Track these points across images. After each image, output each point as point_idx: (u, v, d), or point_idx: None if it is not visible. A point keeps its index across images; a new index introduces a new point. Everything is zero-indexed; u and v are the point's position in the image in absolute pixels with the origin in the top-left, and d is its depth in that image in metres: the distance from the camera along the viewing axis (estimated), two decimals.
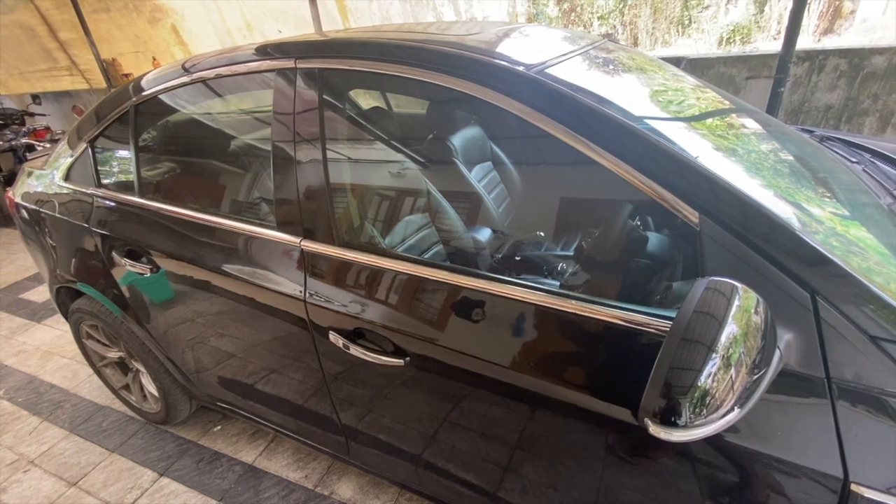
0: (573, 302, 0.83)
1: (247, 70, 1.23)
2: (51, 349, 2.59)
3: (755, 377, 0.61)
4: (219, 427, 1.94)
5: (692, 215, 0.74)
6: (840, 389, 0.68)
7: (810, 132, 1.70)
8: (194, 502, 1.63)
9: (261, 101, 1.27)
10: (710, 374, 0.57)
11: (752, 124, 1.27)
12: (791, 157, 1.12)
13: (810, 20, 4.65)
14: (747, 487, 0.76)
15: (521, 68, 0.89)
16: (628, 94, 1.04)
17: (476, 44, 1.06)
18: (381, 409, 1.20)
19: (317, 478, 1.68)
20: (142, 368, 1.82)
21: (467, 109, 1.14)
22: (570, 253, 1.06)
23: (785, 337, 0.70)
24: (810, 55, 2.36)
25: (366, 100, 1.36)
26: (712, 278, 0.63)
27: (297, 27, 3.61)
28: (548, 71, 0.93)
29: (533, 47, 1.14)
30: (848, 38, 4.21)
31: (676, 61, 2.58)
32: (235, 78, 1.28)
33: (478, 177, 1.38)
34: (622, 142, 0.79)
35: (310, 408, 1.37)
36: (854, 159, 1.46)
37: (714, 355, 0.58)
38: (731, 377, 0.59)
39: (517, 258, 1.11)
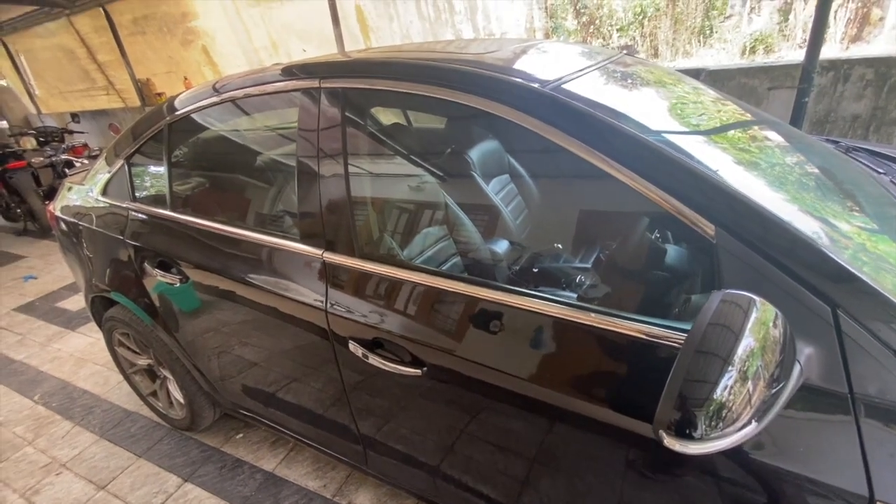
0: (591, 314, 0.84)
1: (273, 90, 1.29)
2: (84, 356, 2.70)
3: (773, 391, 0.60)
4: (241, 435, 1.98)
5: (708, 228, 0.75)
6: (864, 405, 0.66)
7: (835, 143, 1.67)
8: None
9: (286, 119, 1.33)
10: (726, 387, 0.57)
11: (772, 136, 1.26)
12: (814, 169, 1.11)
13: (837, 28, 4.55)
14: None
15: (536, 85, 0.92)
16: (644, 108, 1.05)
17: (493, 62, 1.09)
18: (398, 419, 1.22)
19: (335, 487, 1.69)
20: (169, 376, 1.88)
21: (484, 125, 1.17)
22: (588, 265, 1.07)
23: (806, 351, 0.69)
24: (835, 64, 2.32)
25: (386, 116, 1.41)
26: (728, 291, 0.63)
27: (321, 46, 3.73)
28: (563, 87, 0.95)
29: (549, 64, 1.16)
30: (878, 45, 4.11)
31: (696, 73, 2.58)
32: (262, 97, 1.34)
33: (495, 189, 1.40)
34: (637, 155, 0.81)
35: (329, 416, 1.39)
36: (881, 170, 1.43)
37: (730, 368, 0.58)
38: (749, 390, 0.59)
39: (534, 270, 1.12)
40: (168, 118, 1.57)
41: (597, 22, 4.85)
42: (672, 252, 0.96)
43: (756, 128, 1.27)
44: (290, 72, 1.26)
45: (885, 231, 0.93)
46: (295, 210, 1.22)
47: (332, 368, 1.24)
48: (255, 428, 2.00)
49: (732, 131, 1.19)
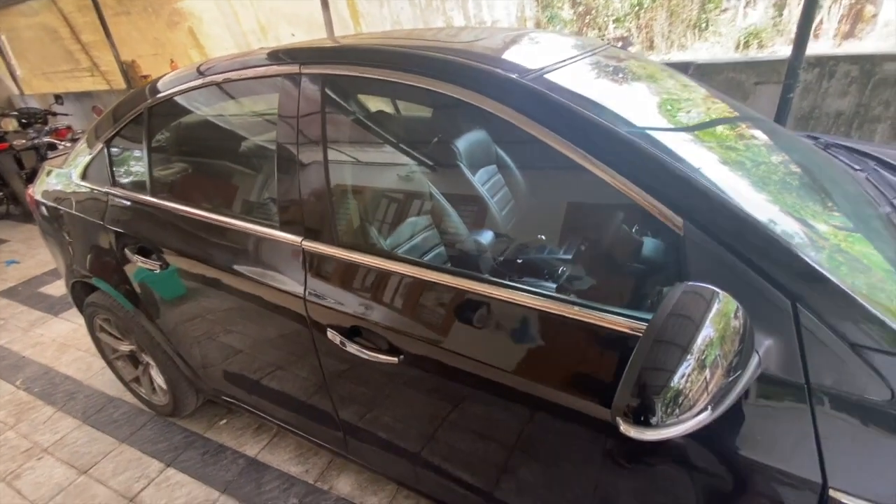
0: (566, 306, 0.85)
1: (255, 74, 1.28)
2: (66, 342, 2.68)
3: (730, 379, 0.62)
4: (224, 421, 1.99)
5: (676, 221, 0.76)
6: (819, 395, 0.68)
7: (815, 139, 1.69)
8: (198, 493, 1.68)
9: (268, 105, 1.31)
10: (684, 375, 0.59)
11: (752, 131, 1.27)
12: (790, 165, 1.12)
13: (831, 24, 4.56)
14: (728, 490, 0.77)
15: (513, 75, 0.91)
16: (621, 100, 1.05)
17: (474, 50, 1.09)
18: (377, 406, 1.23)
19: (317, 473, 1.71)
20: (151, 362, 1.88)
21: (462, 114, 1.17)
22: (566, 257, 1.08)
23: (766, 343, 0.71)
24: (821, 61, 2.34)
25: (370, 104, 1.40)
26: (690, 283, 0.65)
27: (310, 30, 3.67)
28: (541, 78, 0.95)
29: (530, 54, 1.16)
30: (870, 42, 4.13)
31: (685, 66, 2.58)
32: (245, 82, 1.33)
33: (481, 180, 1.40)
34: (607, 147, 0.81)
35: (310, 403, 1.40)
36: (858, 167, 1.45)
37: (689, 357, 0.59)
38: (706, 378, 0.60)
39: (514, 261, 1.13)
40: (149, 101, 1.54)
41: (593, 12, 4.82)
42: (648, 244, 0.97)
43: (733, 122, 1.28)
44: (272, 56, 1.24)
45: (860, 229, 0.95)
46: (275, 197, 1.21)
47: (312, 356, 1.25)
48: (238, 414, 2.00)
49: (708, 125, 1.20)
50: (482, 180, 1.42)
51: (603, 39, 4.80)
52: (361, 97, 1.17)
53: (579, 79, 1.06)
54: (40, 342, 2.70)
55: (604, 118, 0.85)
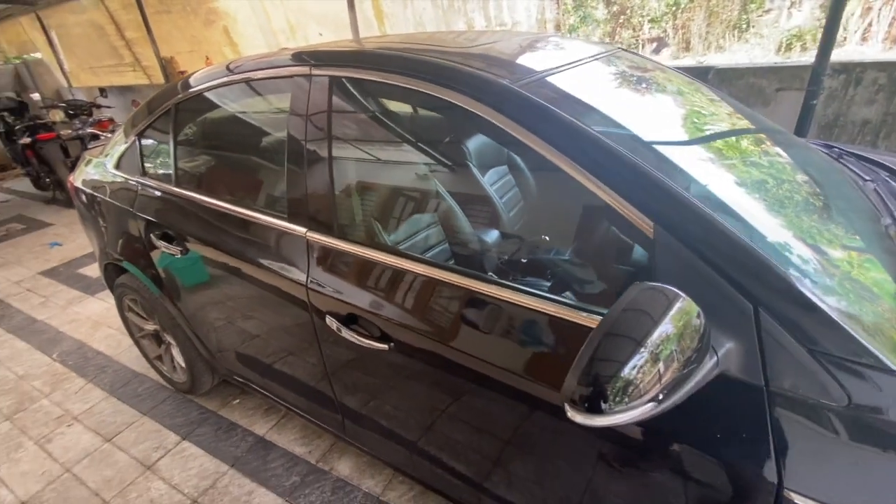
0: (557, 306, 0.88)
1: (273, 74, 1.36)
2: (100, 320, 2.87)
3: (684, 373, 0.65)
4: (237, 400, 2.11)
5: (648, 224, 0.79)
6: (778, 397, 0.70)
7: (829, 147, 1.66)
8: (209, 465, 1.79)
9: (284, 103, 1.39)
10: (635, 367, 0.62)
11: (756, 140, 1.27)
12: (793, 176, 1.13)
13: (880, 27, 4.34)
14: (687, 487, 0.80)
15: (504, 80, 0.96)
16: (614, 106, 1.08)
17: (474, 55, 1.13)
18: (370, 391, 1.30)
19: (319, 454, 1.80)
20: (172, 342, 2.00)
21: (457, 116, 1.21)
22: (561, 258, 1.11)
23: (727, 345, 0.73)
24: (846, 67, 2.27)
25: (377, 104, 1.46)
26: (649, 283, 0.68)
27: (337, 30, 3.78)
28: (533, 83, 0.99)
29: (533, 59, 1.20)
30: None
31: (705, 71, 2.55)
32: (264, 81, 1.41)
33: (490, 180, 1.45)
34: (581, 151, 0.85)
35: (312, 386, 1.48)
36: (868, 177, 1.43)
37: (642, 350, 0.62)
38: (660, 371, 0.63)
39: (514, 261, 1.16)
40: (179, 96, 1.65)
41: (627, 12, 4.72)
42: (637, 247, 1.00)
43: (735, 130, 1.29)
44: (289, 58, 1.32)
45: (869, 248, 0.95)
46: (284, 190, 1.29)
47: (313, 341, 1.32)
48: (250, 395, 2.11)
49: (707, 132, 1.22)
50: (491, 181, 1.46)
51: (637, 40, 4.71)
52: (366, 98, 1.24)
53: (577, 84, 1.09)
54: (76, 319, 2.90)
55: (586, 123, 0.88)
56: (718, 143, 1.18)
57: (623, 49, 1.54)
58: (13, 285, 3.45)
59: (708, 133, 1.21)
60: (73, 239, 4.21)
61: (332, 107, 1.19)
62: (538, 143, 0.88)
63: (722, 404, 0.74)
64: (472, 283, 0.98)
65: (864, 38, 4.37)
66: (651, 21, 4.70)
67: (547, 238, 1.15)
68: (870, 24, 4.44)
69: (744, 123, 1.37)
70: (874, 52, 4.17)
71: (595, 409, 0.61)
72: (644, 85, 1.33)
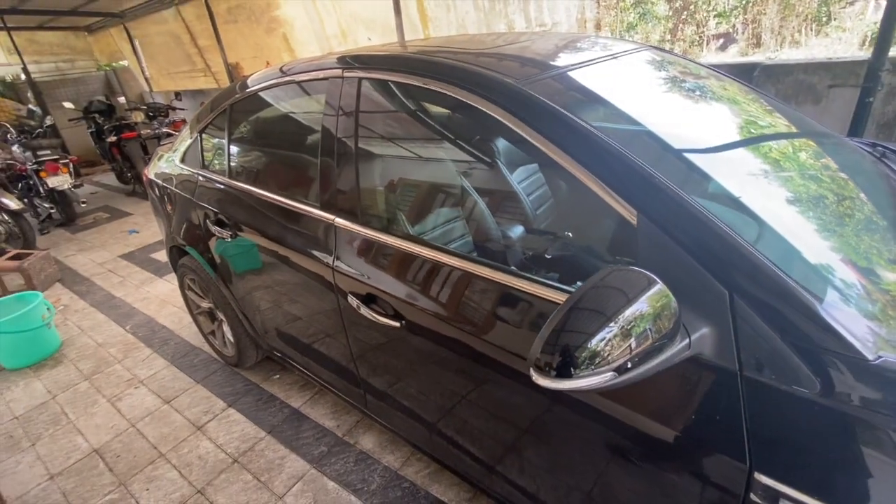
0: (549, 289, 0.93)
1: (314, 77, 1.51)
2: (166, 299, 3.20)
3: (650, 348, 0.69)
4: (277, 375, 2.30)
5: (632, 213, 0.84)
6: (750, 382, 0.72)
7: (875, 146, 1.58)
8: (249, 431, 1.99)
9: (321, 103, 1.54)
10: (603, 339, 0.67)
11: (787, 141, 1.25)
12: (826, 187, 1.10)
13: None
14: (661, 468, 0.83)
15: (509, 80, 1.03)
16: (628, 101, 1.11)
17: (489, 56, 1.21)
18: (387, 368, 1.41)
19: (346, 428, 1.94)
20: (224, 319, 2.23)
21: (469, 114, 1.27)
22: (558, 244, 1.16)
23: (703, 329, 0.76)
24: None
25: (402, 104, 1.57)
26: (621, 266, 0.73)
27: (384, 34, 3.96)
28: (540, 82, 1.05)
29: (551, 58, 1.25)
30: None
31: (750, 68, 2.46)
32: (306, 83, 1.57)
33: (518, 178, 1.51)
34: (575, 142, 0.90)
35: (338, 361, 1.62)
36: None
37: (612, 325, 0.67)
38: (631, 346, 0.68)
39: (539, 255, 1.21)
40: (236, 96, 1.85)
41: (691, 7, 4.50)
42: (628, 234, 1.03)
43: (764, 132, 1.27)
44: (328, 61, 1.46)
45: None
46: (318, 181, 1.43)
47: (338, 319, 1.45)
48: (289, 371, 2.30)
49: (730, 131, 1.22)
50: (519, 178, 1.52)
51: (700, 36, 4.44)
52: (390, 97, 1.34)
53: (586, 82, 1.14)
54: (147, 297, 3.26)
55: (584, 118, 0.93)
56: (728, 139, 1.18)
57: (652, 47, 1.55)
58: (97, 266, 3.91)
59: (721, 130, 1.21)
60: (147, 227, 4.68)
61: (359, 105, 1.31)
62: (551, 148, 0.93)
63: (697, 387, 0.77)
64: (478, 269, 1.05)
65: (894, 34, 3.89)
66: (718, 16, 4.42)
67: (570, 234, 1.19)
68: None
69: (785, 124, 1.35)
70: None
71: (562, 375, 0.67)
72: (662, 82, 1.34)
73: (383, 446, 1.84)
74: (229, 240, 1.81)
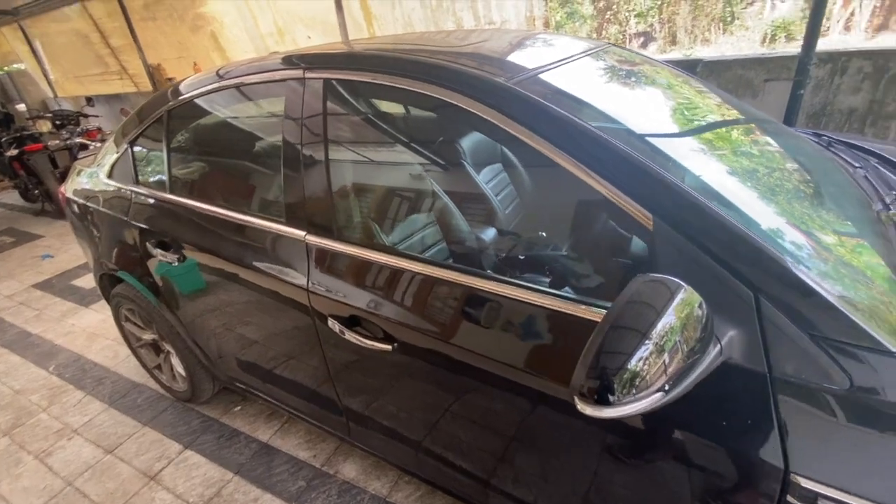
0: (557, 300, 0.89)
1: (266, 79, 1.36)
2: (96, 331, 2.84)
3: (689, 362, 0.66)
4: (239, 407, 2.10)
5: (647, 217, 0.80)
6: (781, 383, 0.71)
7: (819, 136, 1.68)
8: (213, 473, 1.79)
9: (277, 107, 1.39)
10: (641, 358, 0.63)
11: (748, 130, 1.29)
12: (784, 164, 1.14)
13: (863, 16, 4.42)
14: (695, 475, 0.81)
15: (499, 79, 0.97)
16: (606, 99, 1.09)
17: (467, 54, 1.14)
18: (374, 392, 1.30)
19: (324, 458, 1.80)
20: (171, 350, 1.99)
21: (455, 116, 1.22)
22: (559, 253, 1.12)
23: (730, 333, 0.74)
24: (832, 56, 2.30)
25: (372, 105, 1.46)
26: (651, 274, 0.69)
27: (325, 32, 3.77)
28: (529, 81, 1.00)
29: (526, 56, 1.20)
30: None
31: (693, 64, 2.57)
32: (257, 85, 1.41)
33: (485, 178, 1.45)
34: (579, 145, 0.86)
35: (314, 390, 1.48)
36: (858, 164, 1.45)
37: (647, 342, 0.63)
38: (665, 362, 0.64)
39: (513, 257, 1.17)
40: (171, 103, 1.64)
41: (614, 7, 4.75)
42: (636, 241, 1.01)
43: (727, 121, 1.30)
44: (281, 62, 1.32)
45: (861, 233, 0.97)
46: (281, 194, 1.29)
47: (315, 344, 1.32)
48: (252, 401, 2.11)
49: (699, 125, 1.23)
50: (486, 179, 1.47)
51: (624, 35, 4.75)
52: (362, 99, 1.24)
53: (569, 80, 1.10)
54: (72, 331, 2.87)
55: (582, 118, 0.89)
56: (710, 134, 1.19)
57: (613, 44, 1.55)
58: (5, 299, 3.41)
59: (700, 125, 1.22)
60: (65, 250, 4.16)
61: (327, 109, 1.19)
62: (537, 141, 0.89)
63: (726, 392, 0.75)
64: (474, 281, 0.98)
65: (846, 28, 4.45)
66: (637, 16, 4.74)
67: (544, 234, 1.16)
68: (852, 14, 4.52)
69: (733, 114, 1.39)
70: (857, 41, 4.23)
71: (603, 401, 0.62)
72: (636, 79, 1.34)
73: (368, 472, 1.72)
74: (176, 264, 1.60)
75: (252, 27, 4.16)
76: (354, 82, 1.17)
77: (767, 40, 4.36)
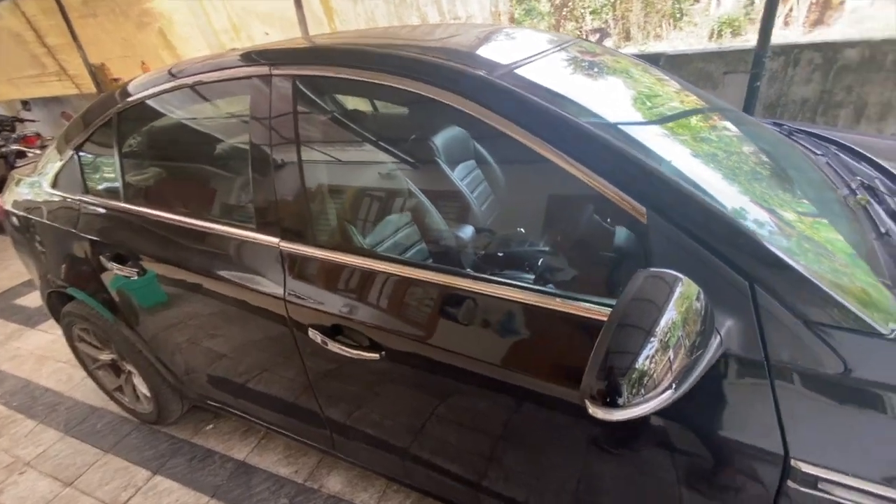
0: (543, 296, 0.87)
1: (227, 76, 1.27)
2: (45, 353, 2.62)
3: (693, 358, 0.65)
4: (211, 426, 1.98)
5: (641, 210, 0.79)
6: (778, 371, 0.72)
7: (780, 126, 1.75)
8: (187, 499, 1.68)
9: (240, 107, 1.31)
10: (647, 357, 0.61)
11: (717, 120, 1.31)
12: (756, 153, 1.17)
13: (800, 12, 4.69)
14: (696, 465, 0.81)
15: (482, 72, 0.93)
16: (590, 94, 1.08)
17: (445, 48, 1.10)
18: (360, 402, 1.25)
19: (307, 472, 1.72)
20: (133, 370, 1.86)
21: (436, 112, 1.18)
22: (543, 249, 1.11)
23: (727, 323, 0.74)
24: (785, 49, 2.41)
25: (346, 103, 1.40)
26: (652, 269, 0.67)
27: (283, 29, 3.63)
28: (510, 74, 0.97)
29: (502, 50, 1.18)
30: (838, 28, 4.27)
31: (655, 58, 2.63)
32: (216, 84, 1.32)
33: (460, 175, 1.42)
34: (570, 140, 0.84)
35: (295, 403, 1.41)
36: (819, 152, 1.51)
37: (652, 339, 0.62)
38: (670, 358, 0.63)
39: (494, 254, 1.15)
40: (120, 105, 1.52)
41: (570, 4, 4.87)
42: (620, 234, 1.00)
43: (697, 112, 1.32)
44: (243, 58, 1.24)
45: (824, 214, 0.99)
46: (251, 199, 1.21)
47: (295, 356, 1.25)
48: (225, 418, 2.00)
49: (677, 116, 1.24)
50: (461, 176, 1.44)
51: (580, 31, 4.87)
52: (334, 96, 1.18)
53: (548, 74, 1.08)
54: (18, 355, 2.64)
55: (569, 112, 0.87)
56: (689, 125, 1.20)
57: (583, 39, 1.55)
58: None
59: (685, 119, 1.23)
60: (3, 267, 3.84)
61: (297, 107, 1.12)
62: (526, 137, 0.86)
63: (725, 381, 0.75)
64: (466, 283, 0.95)
65: (785, 23, 4.73)
66: (592, 13, 4.88)
67: (523, 230, 1.14)
68: (790, 10, 4.80)
69: (700, 105, 1.41)
70: (795, 35, 4.50)
71: (614, 404, 0.60)
72: (614, 74, 1.34)
73: (354, 484, 1.66)
74: (135, 278, 1.49)
75: (204, 24, 3.95)
76: (326, 79, 1.11)
77: (715, 35, 4.58)
